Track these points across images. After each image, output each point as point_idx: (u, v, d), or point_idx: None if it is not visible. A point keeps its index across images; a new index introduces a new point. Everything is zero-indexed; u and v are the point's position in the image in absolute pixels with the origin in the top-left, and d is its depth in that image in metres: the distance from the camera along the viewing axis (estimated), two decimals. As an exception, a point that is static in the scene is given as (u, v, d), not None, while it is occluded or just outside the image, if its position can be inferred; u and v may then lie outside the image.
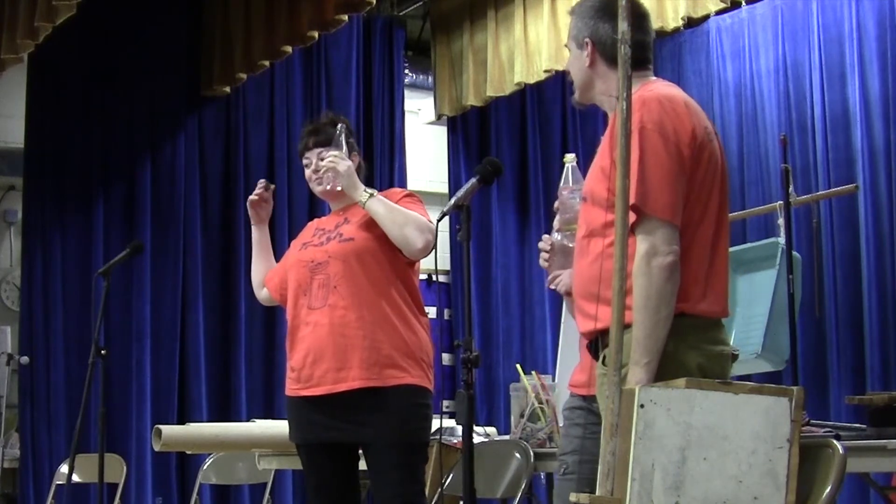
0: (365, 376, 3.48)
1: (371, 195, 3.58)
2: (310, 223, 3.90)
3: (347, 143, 3.72)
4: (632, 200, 2.50)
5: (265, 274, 3.93)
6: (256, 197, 3.87)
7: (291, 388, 3.63)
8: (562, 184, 3.06)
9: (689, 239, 2.60)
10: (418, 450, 3.55)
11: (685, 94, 2.75)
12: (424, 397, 3.54)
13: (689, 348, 2.58)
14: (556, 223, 3.08)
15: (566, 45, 2.92)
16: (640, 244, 2.54)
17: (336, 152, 3.66)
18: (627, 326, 2.51)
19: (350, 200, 3.71)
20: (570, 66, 2.87)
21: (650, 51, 2.83)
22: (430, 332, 3.66)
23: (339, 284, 3.55)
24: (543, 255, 3.18)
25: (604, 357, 2.64)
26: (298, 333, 3.61)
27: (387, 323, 3.52)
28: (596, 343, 2.73)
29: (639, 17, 2.76)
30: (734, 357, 2.71)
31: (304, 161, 3.78)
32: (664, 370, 2.51)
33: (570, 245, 2.98)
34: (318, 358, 3.54)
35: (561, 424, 3.33)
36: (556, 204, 3.14)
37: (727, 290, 2.70)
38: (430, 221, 3.53)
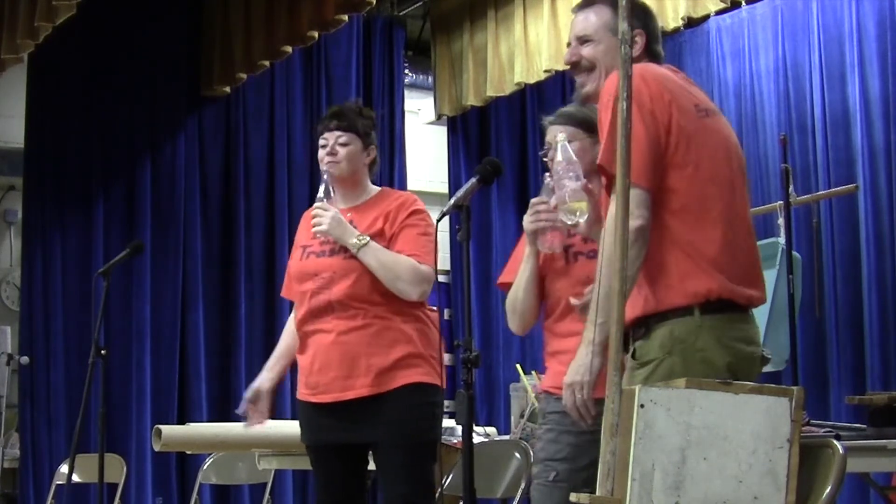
0: (372, 383, 3.48)
1: (364, 244, 3.52)
2: (309, 213, 3.83)
3: (367, 134, 3.68)
4: (599, 161, 2.60)
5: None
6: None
7: (301, 392, 3.63)
8: (558, 157, 2.97)
9: (699, 215, 2.61)
10: (425, 449, 3.52)
11: (682, 74, 2.80)
12: (433, 394, 3.52)
13: (721, 347, 2.58)
14: (553, 200, 3.02)
15: (587, 39, 2.86)
16: (612, 206, 2.55)
17: (320, 204, 3.59)
18: (651, 316, 2.57)
19: (357, 199, 3.69)
20: (601, 55, 2.83)
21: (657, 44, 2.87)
22: (439, 326, 3.65)
23: (343, 298, 3.54)
24: (541, 214, 3.11)
25: (634, 350, 2.65)
26: (306, 340, 3.61)
27: (392, 327, 3.51)
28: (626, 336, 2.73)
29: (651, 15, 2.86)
30: (764, 360, 2.71)
31: (321, 142, 3.70)
32: (693, 367, 2.52)
33: (569, 223, 2.95)
34: (324, 366, 3.54)
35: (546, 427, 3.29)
36: (548, 180, 3.08)
37: (758, 273, 2.71)
38: (429, 264, 3.48)
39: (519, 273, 3.25)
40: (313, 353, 3.57)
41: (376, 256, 3.52)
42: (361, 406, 3.49)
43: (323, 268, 3.59)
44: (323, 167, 3.67)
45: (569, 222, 2.94)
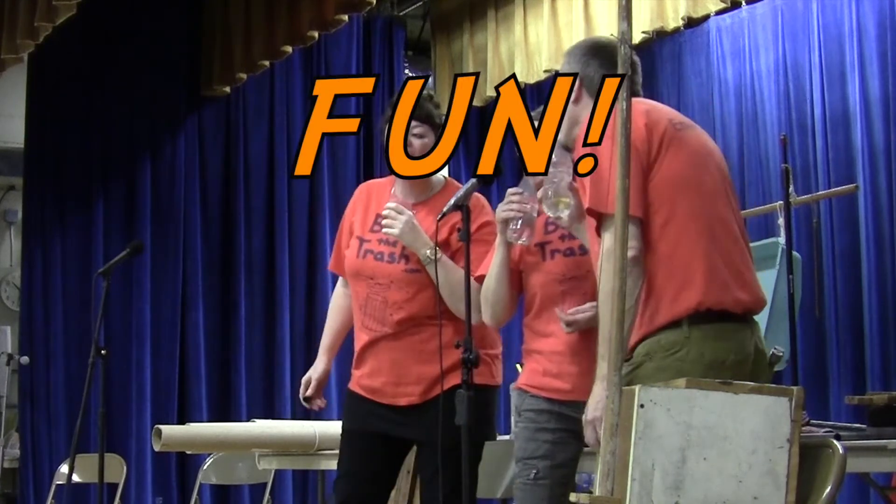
0: (424, 391, 3.43)
1: (435, 258, 3.36)
2: (364, 190, 3.66)
3: (440, 126, 3.39)
4: (587, 205, 2.63)
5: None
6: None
7: (353, 385, 3.56)
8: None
9: (680, 231, 2.64)
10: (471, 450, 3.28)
11: (652, 102, 2.85)
12: (483, 395, 3.32)
13: (700, 362, 2.57)
14: (540, 193, 3.04)
15: None
16: (604, 242, 2.61)
17: (394, 205, 3.43)
18: (645, 337, 2.58)
19: (423, 194, 3.52)
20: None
21: (637, 86, 2.87)
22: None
23: (398, 311, 3.45)
24: (513, 204, 3.09)
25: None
26: (360, 338, 3.53)
27: (444, 333, 3.37)
28: None
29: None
30: (775, 359, 2.71)
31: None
32: (666, 373, 2.54)
33: (552, 215, 2.99)
34: (374, 371, 3.49)
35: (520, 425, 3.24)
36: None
37: (748, 278, 2.72)
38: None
39: (490, 263, 3.23)
40: (367, 356, 3.50)
41: (445, 274, 3.36)
42: (412, 408, 3.45)
43: (380, 274, 3.47)
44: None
45: (552, 215, 2.98)
